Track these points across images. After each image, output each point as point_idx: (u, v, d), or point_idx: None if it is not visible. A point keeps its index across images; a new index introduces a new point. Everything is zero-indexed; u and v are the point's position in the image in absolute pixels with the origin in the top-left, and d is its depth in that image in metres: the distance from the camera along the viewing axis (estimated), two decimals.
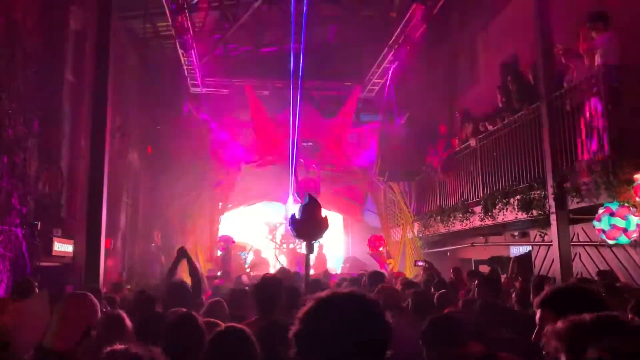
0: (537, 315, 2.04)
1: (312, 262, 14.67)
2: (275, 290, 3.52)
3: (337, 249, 17.36)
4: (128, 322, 2.95)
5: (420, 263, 9.40)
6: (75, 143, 9.38)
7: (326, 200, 14.93)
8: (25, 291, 5.07)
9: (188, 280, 5.02)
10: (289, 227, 7.48)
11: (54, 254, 7.98)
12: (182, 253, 5.43)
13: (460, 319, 2.97)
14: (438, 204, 11.09)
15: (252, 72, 13.98)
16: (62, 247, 8.27)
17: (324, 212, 6.78)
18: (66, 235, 8.43)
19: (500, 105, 9.32)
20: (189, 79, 13.61)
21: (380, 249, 13.65)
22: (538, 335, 1.98)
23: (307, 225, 6.95)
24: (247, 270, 14.02)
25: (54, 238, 8.01)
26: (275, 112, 14.01)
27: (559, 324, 1.35)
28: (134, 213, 13.08)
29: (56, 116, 8.68)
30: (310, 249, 7.00)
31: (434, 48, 12.95)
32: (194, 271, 5.15)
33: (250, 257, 15.14)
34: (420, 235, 12.15)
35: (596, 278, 5.90)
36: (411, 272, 11.14)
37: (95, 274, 7.28)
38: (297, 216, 6.68)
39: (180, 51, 11.85)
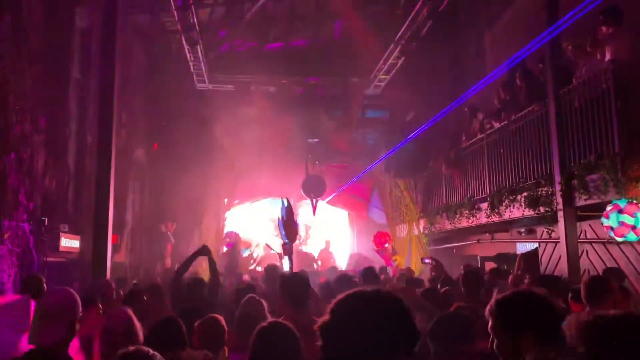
0: (489, 325, 2.05)
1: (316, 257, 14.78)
2: (306, 286, 3.51)
3: (343, 245, 17.36)
4: (137, 323, 2.95)
5: (427, 260, 9.39)
6: (82, 139, 9.40)
7: (332, 197, 14.98)
8: (34, 287, 5.09)
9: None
10: (280, 230, 7.50)
11: (61, 249, 8.00)
12: (204, 251, 5.30)
13: (469, 316, 2.95)
14: (444, 200, 11.07)
15: (258, 69, 13.96)
16: (69, 242, 8.31)
17: (296, 218, 6.79)
18: (73, 231, 8.46)
19: (498, 104, 9.27)
20: (194, 75, 13.62)
21: (386, 245, 13.63)
22: (492, 345, 2.00)
23: (289, 228, 7.00)
24: (253, 266, 14.04)
25: (61, 234, 8.04)
26: (281, 109, 13.99)
27: (583, 315, 1.38)
28: (140, 209, 13.12)
29: (63, 113, 8.69)
30: (290, 251, 7.02)
31: (441, 44, 12.88)
32: (214, 272, 5.12)
33: (256, 253, 15.14)
34: (426, 231, 12.12)
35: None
36: (417, 268, 11.13)
37: (102, 269, 7.29)
38: (284, 218, 6.70)
39: (186, 47, 11.86)
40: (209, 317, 3.40)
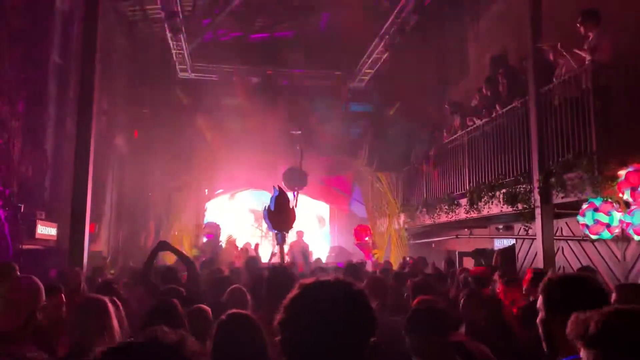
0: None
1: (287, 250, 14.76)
2: (292, 282, 3.46)
3: (323, 238, 17.39)
4: (110, 308, 2.86)
5: (408, 260, 9.52)
6: (61, 125, 9.25)
7: (313, 189, 14.97)
8: (5, 274, 5.01)
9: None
10: (265, 221, 7.48)
11: (37, 237, 7.87)
12: (163, 246, 5.12)
13: (443, 308, 2.99)
14: (424, 195, 11.15)
15: (242, 59, 13.86)
16: (46, 230, 8.17)
17: (292, 205, 6.84)
18: (50, 219, 8.33)
19: (480, 101, 9.35)
20: (177, 64, 13.46)
21: (366, 239, 13.70)
22: None
23: (280, 217, 6.97)
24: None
25: (38, 221, 7.90)
26: (264, 100, 13.92)
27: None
28: (119, 198, 12.97)
29: (42, 98, 8.54)
30: (282, 240, 7.03)
31: (425, 39, 12.93)
32: (187, 262, 5.02)
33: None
34: (406, 226, 12.21)
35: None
36: (396, 262, 11.21)
37: (79, 258, 7.21)
38: (271, 208, 6.67)
39: (169, 35, 11.70)
40: (196, 308, 3.36)
